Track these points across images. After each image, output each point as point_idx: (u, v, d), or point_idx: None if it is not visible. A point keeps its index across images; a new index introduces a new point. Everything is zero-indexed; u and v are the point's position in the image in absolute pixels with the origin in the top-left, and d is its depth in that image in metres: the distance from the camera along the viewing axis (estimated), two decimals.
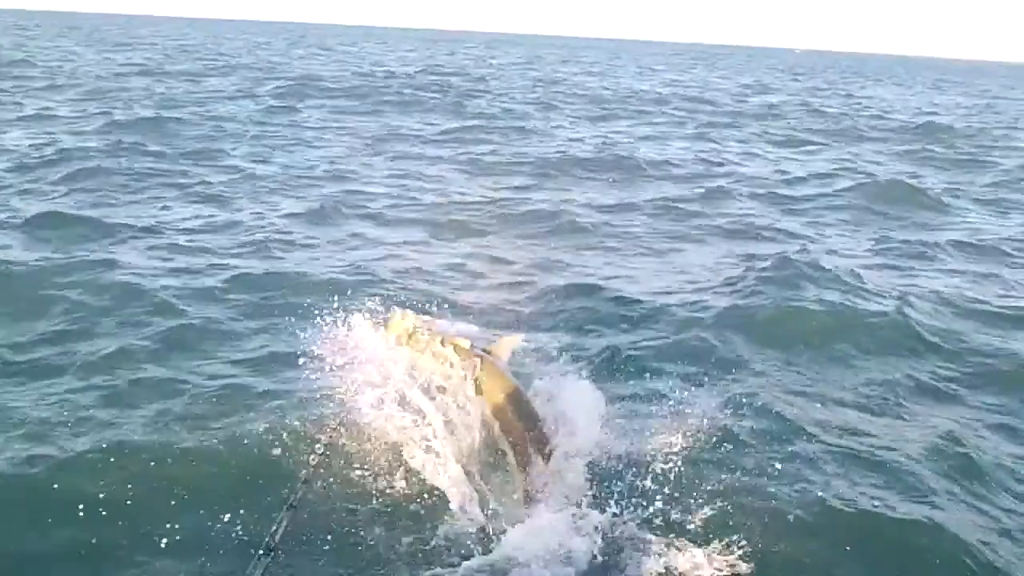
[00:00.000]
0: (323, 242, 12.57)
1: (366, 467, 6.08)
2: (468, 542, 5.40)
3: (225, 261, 11.18)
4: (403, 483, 5.93)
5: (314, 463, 5.42)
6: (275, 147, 21.25)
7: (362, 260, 11.64)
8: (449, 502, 5.77)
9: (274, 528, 4.16)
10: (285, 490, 5.23)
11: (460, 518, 5.64)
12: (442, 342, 6.30)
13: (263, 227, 13.18)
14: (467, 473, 6.07)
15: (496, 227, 14.36)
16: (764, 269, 11.86)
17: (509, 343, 6.66)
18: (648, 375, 8.19)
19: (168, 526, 5.41)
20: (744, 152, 24.67)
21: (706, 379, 8.20)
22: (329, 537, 5.42)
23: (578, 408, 6.55)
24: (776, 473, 6.41)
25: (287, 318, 7.46)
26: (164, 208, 14.28)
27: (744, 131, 29.71)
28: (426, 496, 5.81)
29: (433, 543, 5.41)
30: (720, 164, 22.15)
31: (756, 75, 77.27)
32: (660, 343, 9.24)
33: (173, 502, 5.71)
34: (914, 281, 12.31)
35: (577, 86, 48.80)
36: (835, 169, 21.88)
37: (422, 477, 5.91)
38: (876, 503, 6.16)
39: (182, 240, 12.32)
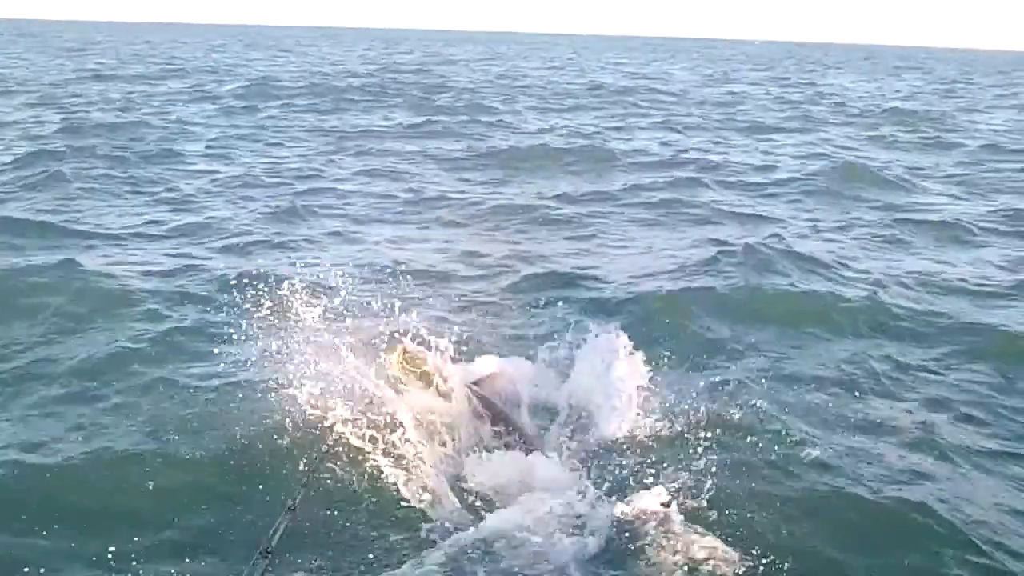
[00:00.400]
0: (299, 241, 12.40)
1: (364, 467, 5.97)
2: (466, 538, 5.30)
3: (200, 263, 10.98)
4: (402, 483, 5.82)
5: (311, 467, 5.31)
6: (239, 148, 21.00)
7: (340, 258, 11.48)
8: (446, 500, 5.70)
9: (272, 531, 4.02)
10: (283, 493, 5.12)
11: (459, 515, 5.57)
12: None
13: (236, 229, 12.97)
14: (460, 470, 6.11)
15: (472, 221, 14.31)
16: (736, 254, 11.92)
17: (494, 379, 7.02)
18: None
19: (164, 530, 5.33)
20: (712, 140, 24.78)
21: (686, 363, 8.20)
22: (328, 539, 5.33)
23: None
24: (767, 456, 6.41)
25: (271, 319, 7.32)
26: (130, 212, 14.01)
27: (710, 120, 29.85)
28: (424, 495, 5.72)
29: (433, 540, 5.32)
30: (686, 151, 22.22)
31: (716, 66, 77.76)
32: (641, 329, 9.19)
33: (168, 507, 5.60)
34: (887, 262, 12.44)
35: (541, 80, 48.78)
36: (803, 155, 22.07)
37: (418, 476, 5.84)
38: (869, 483, 6.20)
39: (154, 244, 12.12)
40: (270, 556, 3.75)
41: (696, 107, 34.53)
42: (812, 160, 21.01)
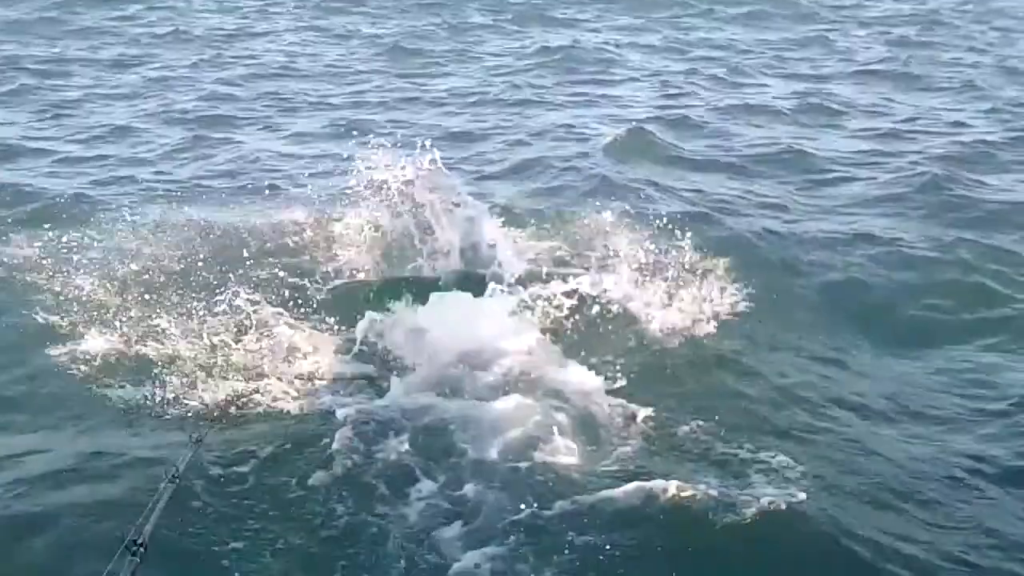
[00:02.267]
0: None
1: (270, 401, 6.13)
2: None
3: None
4: (309, 416, 5.97)
5: (220, 401, 5.62)
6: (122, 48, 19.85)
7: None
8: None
9: (180, 459, 4.09)
10: (191, 426, 5.34)
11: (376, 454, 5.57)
12: None
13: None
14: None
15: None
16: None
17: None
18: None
19: (70, 460, 5.44)
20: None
21: None
22: (231, 472, 5.39)
23: None
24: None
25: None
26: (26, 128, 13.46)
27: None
28: (334, 427, 5.80)
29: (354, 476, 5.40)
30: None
31: None
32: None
33: (74, 439, 5.70)
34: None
35: None
36: None
37: (328, 409, 5.96)
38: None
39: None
40: (177, 481, 3.80)
41: None
42: None
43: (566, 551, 4.58)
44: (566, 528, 4.73)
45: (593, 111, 14.81)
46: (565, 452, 5.32)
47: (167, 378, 6.29)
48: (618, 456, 5.34)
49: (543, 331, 6.81)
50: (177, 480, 3.79)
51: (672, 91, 16.28)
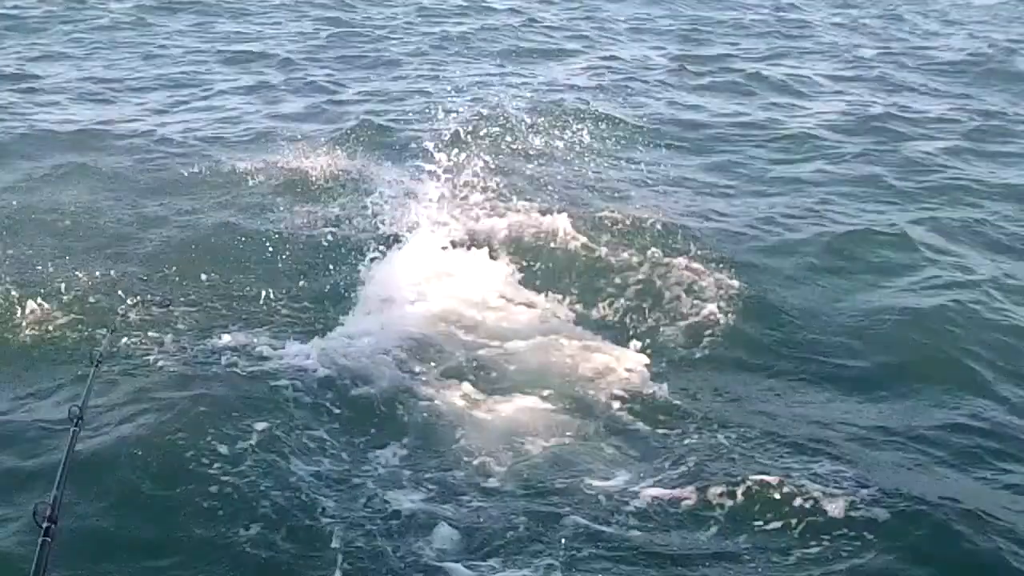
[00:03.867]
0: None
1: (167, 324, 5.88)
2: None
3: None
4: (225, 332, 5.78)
5: (115, 322, 5.32)
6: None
7: None
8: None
9: (83, 395, 3.73)
10: (87, 356, 4.85)
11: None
12: None
13: None
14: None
15: None
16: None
17: None
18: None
19: None
20: None
21: None
22: (133, 400, 5.06)
23: None
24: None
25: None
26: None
27: None
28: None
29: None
30: None
31: None
32: None
33: None
34: None
35: None
36: None
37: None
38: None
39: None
40: (82, 422, 3.41)
41: None
42: None
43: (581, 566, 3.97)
44: (578, 540, 4.13)
45: (541, 80, 14.46)
46: (576, 449, 4.72)
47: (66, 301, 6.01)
48: (642, 456, 4.74)
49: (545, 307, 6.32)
50: (82, 420, 3.39)
51: (625, 65, 15.86)
